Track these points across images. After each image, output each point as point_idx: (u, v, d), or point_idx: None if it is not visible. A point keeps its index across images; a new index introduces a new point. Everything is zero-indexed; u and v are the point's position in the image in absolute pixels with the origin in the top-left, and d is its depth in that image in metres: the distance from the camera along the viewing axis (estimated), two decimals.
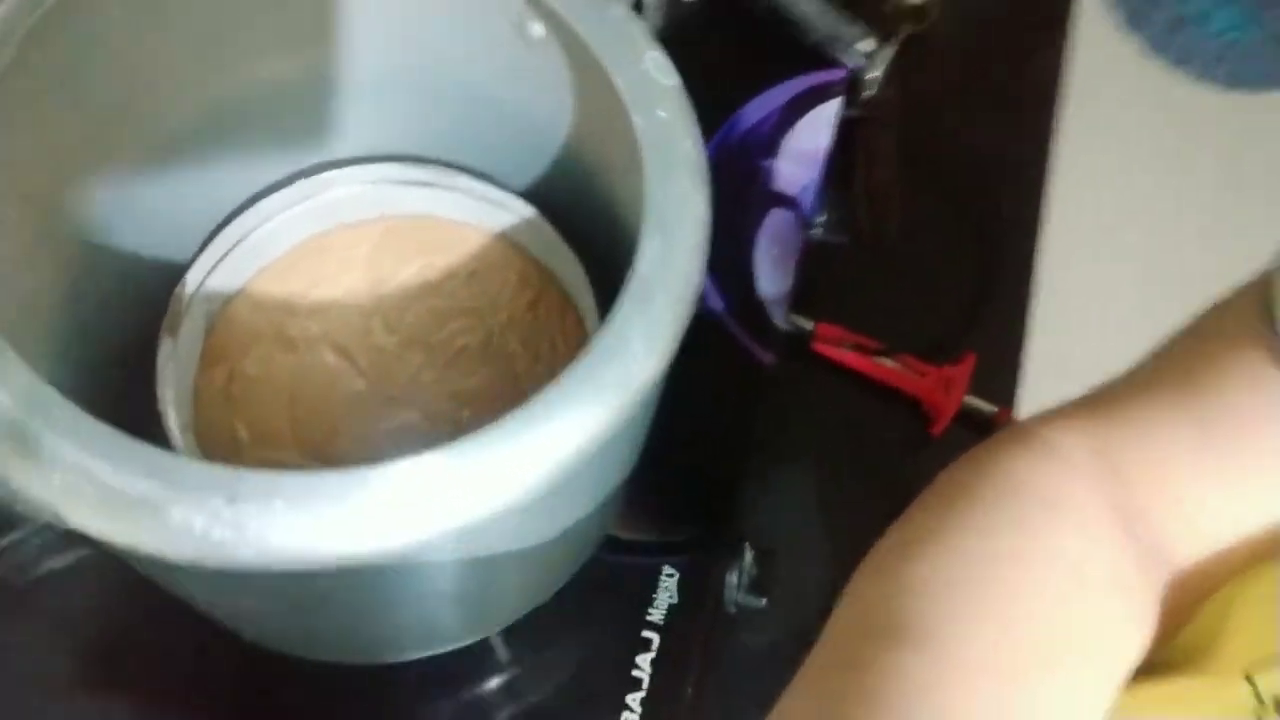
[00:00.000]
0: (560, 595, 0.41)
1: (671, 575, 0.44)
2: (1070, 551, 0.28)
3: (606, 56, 0.30)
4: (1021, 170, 0.57)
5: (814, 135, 0.51)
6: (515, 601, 0.40)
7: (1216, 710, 0.29)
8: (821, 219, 0.52)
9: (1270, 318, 0.29)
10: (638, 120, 0.30)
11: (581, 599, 0.42)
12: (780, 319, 0.48)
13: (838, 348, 0.50)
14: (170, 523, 0.23)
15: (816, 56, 0.53)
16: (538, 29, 0.33)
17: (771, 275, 0.49)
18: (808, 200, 0.50)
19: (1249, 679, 0.28)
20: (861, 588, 0.27)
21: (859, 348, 0.50)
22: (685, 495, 0.46)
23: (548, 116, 0.37)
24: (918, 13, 0.57)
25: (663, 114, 0.30)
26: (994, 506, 0.28)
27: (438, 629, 0.39)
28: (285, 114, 0.40)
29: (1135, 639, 0.28)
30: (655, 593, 0.43)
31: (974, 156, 0.57)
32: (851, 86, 0.53)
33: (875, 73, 0.53)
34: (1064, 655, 0.26)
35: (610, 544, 0.43)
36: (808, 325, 0.50)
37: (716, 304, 0.48)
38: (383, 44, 0.38)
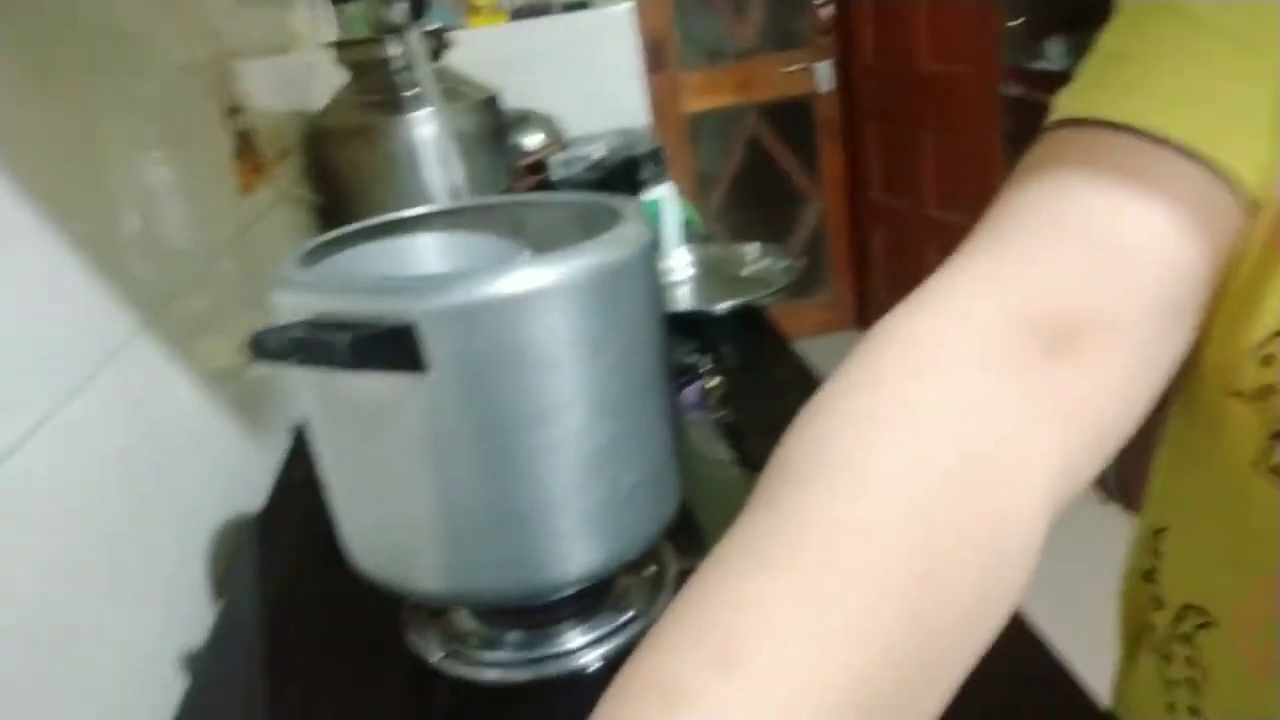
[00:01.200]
0: None
1: None
2: (962, 389, 0.29)
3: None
4: None
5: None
6: (638, 505, 0.54)
7: None
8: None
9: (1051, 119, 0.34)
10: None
11: None
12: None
13: None
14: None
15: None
16: None
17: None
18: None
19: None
20: (785, 440, 0.29)
21: None
22: None
23: None
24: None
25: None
26: (879, 362, 0.30)
27: (572, 536, 0.51)
28: None
29: (1049, 438, 0.29)
30: None
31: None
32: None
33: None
34: (968, 474, 0.27)
35: None
36: None
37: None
38: None
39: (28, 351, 0.57)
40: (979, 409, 0.29)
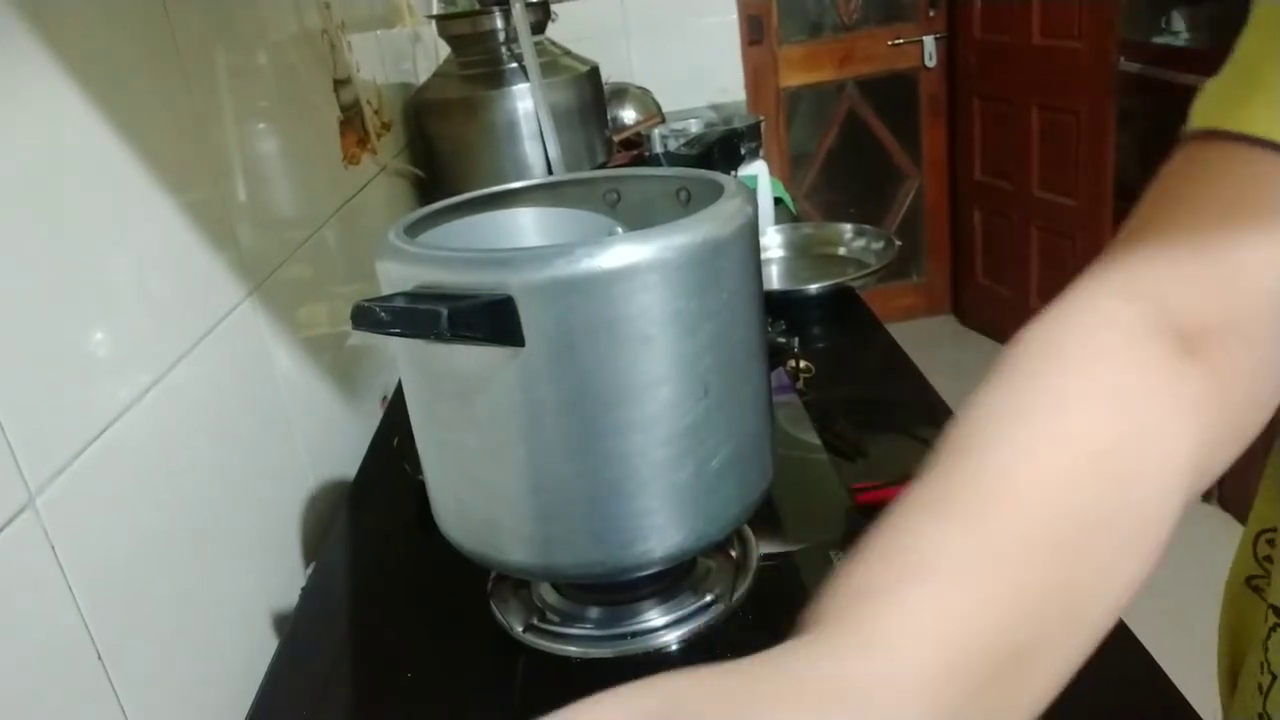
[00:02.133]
0: None
1: None
2: (1110, 383, 0.32)
3: None
4: None
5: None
6: (727, 486, 0.54)
7: None
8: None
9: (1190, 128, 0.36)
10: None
11: None
12: None
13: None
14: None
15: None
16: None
17: None
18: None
19: None
20: (951, 423, 0.33)
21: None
22: None
23: None
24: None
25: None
26: (1031, 362, 0.34)
27: (658, 514, 0.52)
28: None
29: (1184, 429, 0.32)
30: None
31: None
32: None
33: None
34: (1114, 457, 0.30)
35: None
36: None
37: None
38: None
39: (143, 315, 0.59)
40: (1125, 401, 0.32)
